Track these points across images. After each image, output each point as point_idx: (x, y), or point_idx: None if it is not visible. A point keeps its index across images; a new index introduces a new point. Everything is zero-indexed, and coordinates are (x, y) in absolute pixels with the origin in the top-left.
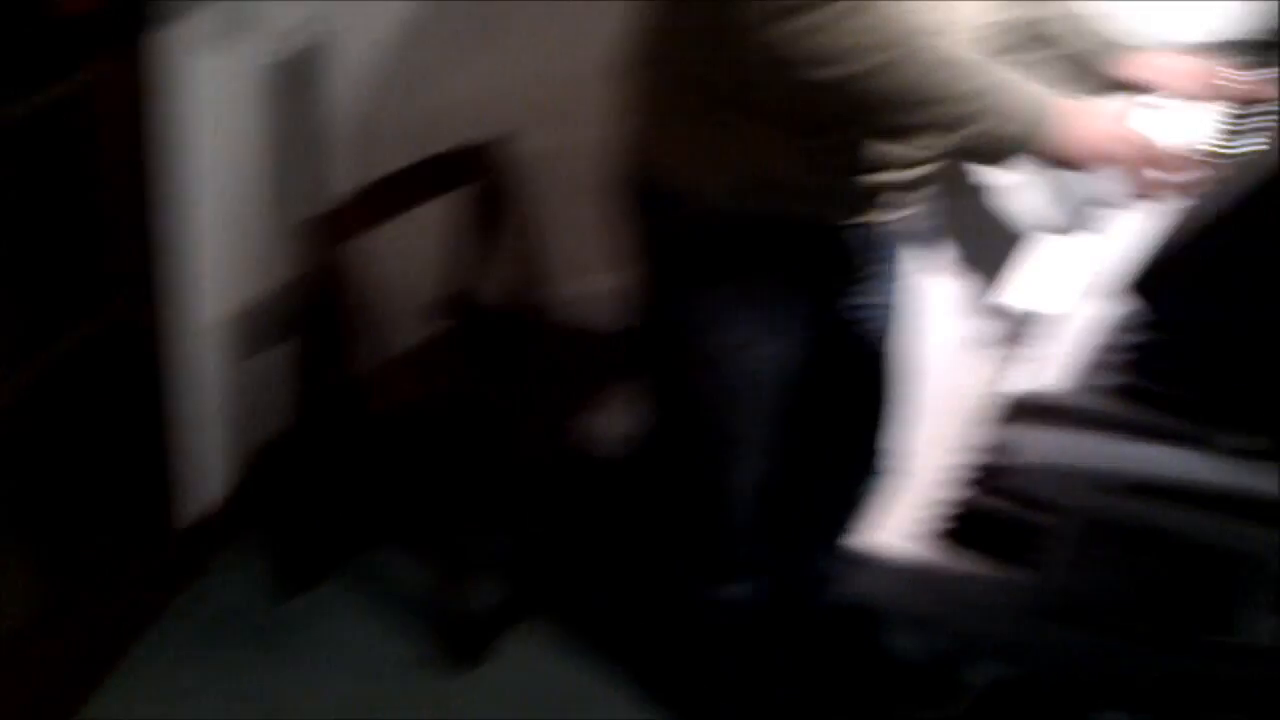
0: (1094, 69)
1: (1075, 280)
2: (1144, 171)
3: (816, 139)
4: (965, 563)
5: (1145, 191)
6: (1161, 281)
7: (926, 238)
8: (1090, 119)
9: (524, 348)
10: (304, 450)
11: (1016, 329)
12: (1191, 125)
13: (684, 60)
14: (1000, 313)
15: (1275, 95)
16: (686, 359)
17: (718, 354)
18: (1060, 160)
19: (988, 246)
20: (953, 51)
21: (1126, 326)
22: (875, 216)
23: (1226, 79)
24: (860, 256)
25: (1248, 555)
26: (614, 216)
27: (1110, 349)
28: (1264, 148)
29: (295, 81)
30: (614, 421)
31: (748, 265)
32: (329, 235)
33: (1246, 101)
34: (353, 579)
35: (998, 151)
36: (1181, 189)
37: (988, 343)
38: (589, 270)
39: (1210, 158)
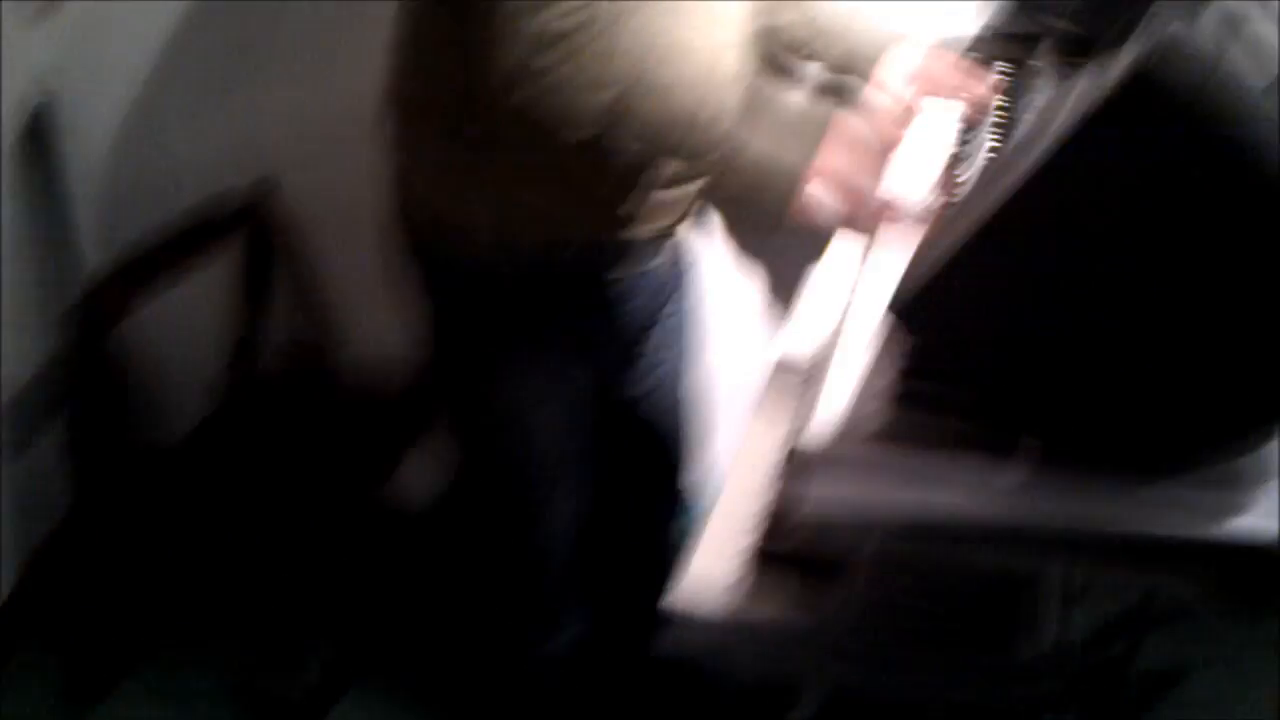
0: (856, 72)
1: (848, 311)
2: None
3: (584, 189)
4: (772, 606)
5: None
6: (922, 301)
7: (710, 275)
8: (841, 151)
9: (314, 407)
10: (85, 543)
11: (799, 367)
12: (946, 132)
13: (444, 115)
14: (784, 352)
15: (1013, 93)
16: (482, 416)
17: (513, 411)
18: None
19: (772, 280)
20: (707, 102)
21: (901, 350)
22: (653, 260)
23: (975, 77)
24: (644, 300)
25: (1025, 578)
26: (395, 266)
27: (888, 376)
28: (996, 147)
29: (26, 152)
30: (420, 476)
31: (531, 318)
32: (89, 313)
33: (988, 101)
34: (154, 675)
35: (759, 197)
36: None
37: (776, 383)
38: (378, 319)
39: (953, 169)
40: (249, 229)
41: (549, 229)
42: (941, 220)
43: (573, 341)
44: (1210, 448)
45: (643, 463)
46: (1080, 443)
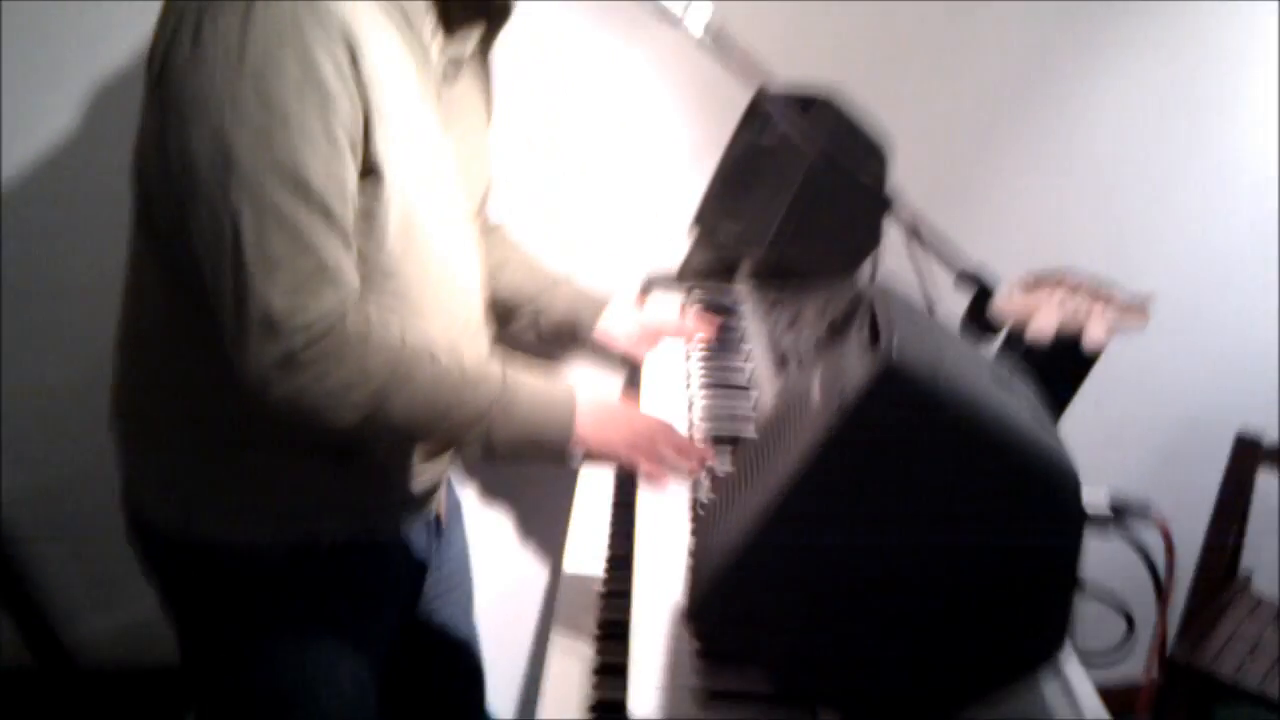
0: (580, 326)
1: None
2: (658, 460)
3: (345, 471)
4: None
5: (658, 476)
6: (710, 603)
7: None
8: (606, 416)
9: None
10: None
11: (587, 584)
12: (678, 369)
13: (186, 418)
14: (569, 569)
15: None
16: (266, 699)
17: (298, 689)
18: (586, 456)
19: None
20: (461, 387)
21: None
22: (424, 516)
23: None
24: (419, 550)
25: None
26: (139, 565)
27: (688, 656)
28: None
29: None
30: None
31: (303, 600)
32: None
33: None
34: None
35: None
36: (692, 468)
37: (568, 599)
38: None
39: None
40: None
41: (312, 512)
42: (709, 518)
43: (350, 609)
44: (980, 693)
45: (443, 697)
46: (873, 706)
